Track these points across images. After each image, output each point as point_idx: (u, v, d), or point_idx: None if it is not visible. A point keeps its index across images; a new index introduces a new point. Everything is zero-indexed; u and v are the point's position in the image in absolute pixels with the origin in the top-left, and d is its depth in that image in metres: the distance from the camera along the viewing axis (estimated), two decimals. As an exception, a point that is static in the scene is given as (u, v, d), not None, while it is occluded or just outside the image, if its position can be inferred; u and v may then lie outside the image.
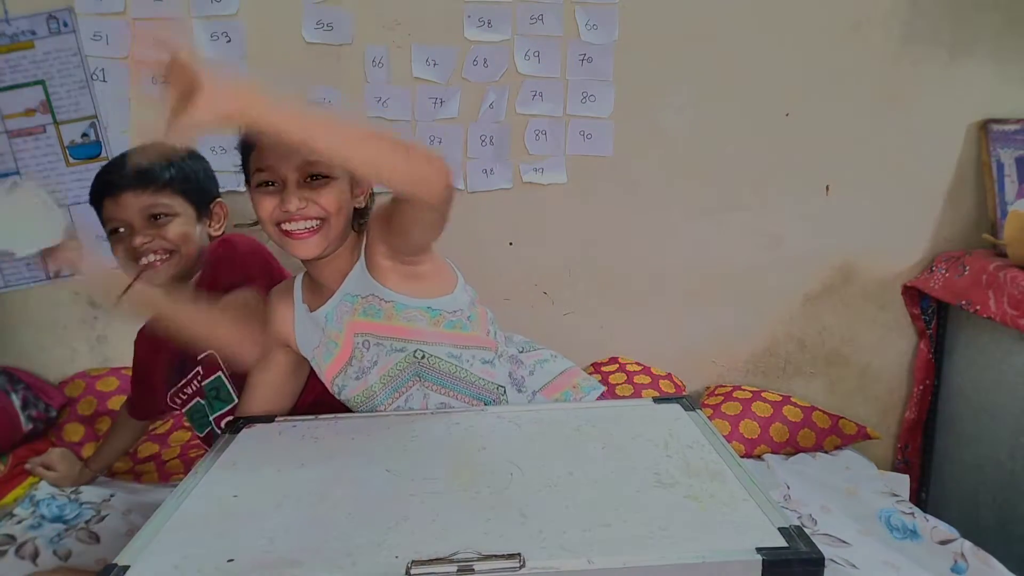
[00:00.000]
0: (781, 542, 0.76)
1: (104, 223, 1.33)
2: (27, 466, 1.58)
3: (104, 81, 1.75)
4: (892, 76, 1.82)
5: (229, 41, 1.75)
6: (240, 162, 1.24)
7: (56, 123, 1.76)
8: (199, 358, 1.39)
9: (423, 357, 1.20)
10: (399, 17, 1.77)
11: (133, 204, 1.29)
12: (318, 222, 1.16)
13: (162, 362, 1.47)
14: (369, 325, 1.20)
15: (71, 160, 1.77)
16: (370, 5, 1.75)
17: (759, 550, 0.74)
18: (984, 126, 1.83)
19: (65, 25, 1.72)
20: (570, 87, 1.82)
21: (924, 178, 1.87)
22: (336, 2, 1.75)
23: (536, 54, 1.80)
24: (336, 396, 1.28)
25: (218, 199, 1.43)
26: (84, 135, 1.76)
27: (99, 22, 1.72)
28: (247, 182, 1.25)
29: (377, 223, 1.18)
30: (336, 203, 1.16)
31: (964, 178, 1.87)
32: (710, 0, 1.79)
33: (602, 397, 1.35)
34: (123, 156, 1.36)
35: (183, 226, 1.33)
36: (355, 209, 1.24)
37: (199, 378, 1.42)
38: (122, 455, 1.67)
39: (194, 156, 1.41)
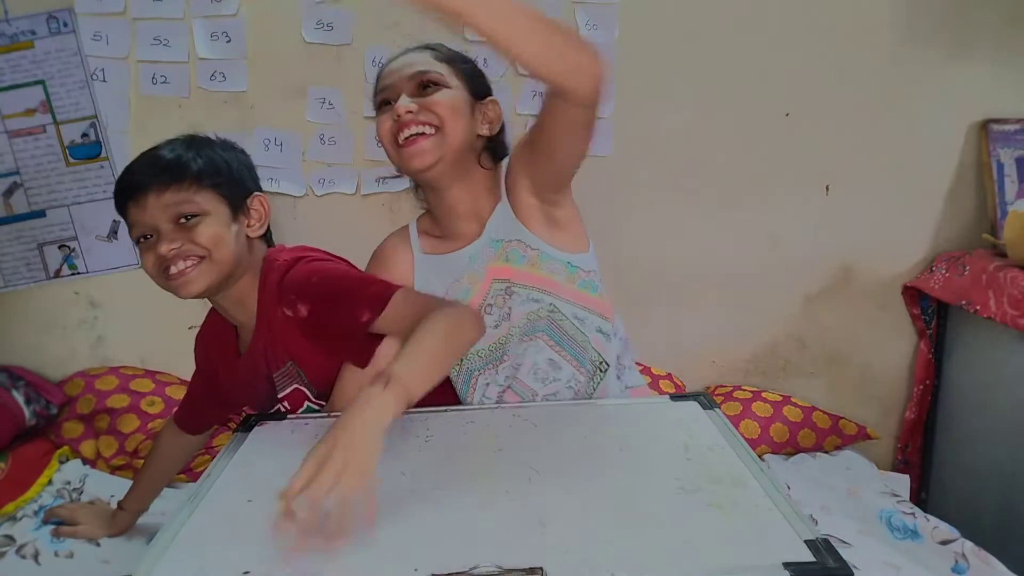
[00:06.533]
0: (808, 556, 0.72)
1: (130, 229, 1.17)
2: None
3: (104, 81, 1.74)
4: (892, 76, 1.82)
5: (229, 41, 1.75)
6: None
7: (56, 123, 1.76)
8: (280, 396, 1.25)
9: (553, 311, 1.18)
10: (399, 17, 1.76)
11: (156, 206, 1.12)
12: (432, 128, 1.13)
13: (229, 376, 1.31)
14: (511, 271, 1.17)
15: (71, 160, 1.77)
16: (370, 5, 1.75)
17: (786, 565, 0.70)
18: (984, 126, 1.83)
19: (65, 25, 1.72)
20: (570, 87, 1.81)
21: (924, 178, 1.87)
22: (336, 2, 1.75)
23: (536, 54, 1.79)
24: None
25: (256, 193, 1.23)
26: (84, 135, 1.76)
27: (99, 22, 1.72)
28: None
29: (519, 152, 1.16)
30: (449, 107, 1.13)
31: (964, 178, 1.87)
32: (710, 0, 1.79)
33: None
34: (145, 153, 1.18)
35: (215, 227, 1.14)
36: (484, 140, 1.21)
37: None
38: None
39: (226, 145, 1.24)
